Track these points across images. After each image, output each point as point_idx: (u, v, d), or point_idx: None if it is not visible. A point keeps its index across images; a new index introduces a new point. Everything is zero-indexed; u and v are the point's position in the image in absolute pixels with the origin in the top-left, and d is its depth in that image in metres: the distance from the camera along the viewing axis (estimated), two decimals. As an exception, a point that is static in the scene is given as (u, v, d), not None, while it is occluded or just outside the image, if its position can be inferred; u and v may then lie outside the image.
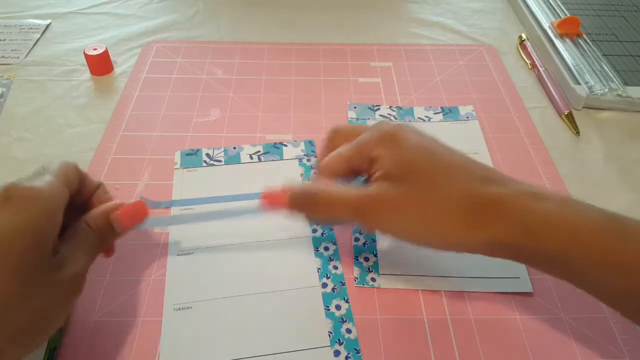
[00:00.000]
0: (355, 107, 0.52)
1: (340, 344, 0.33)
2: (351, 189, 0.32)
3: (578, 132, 0.51)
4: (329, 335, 0.34)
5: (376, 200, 0.30)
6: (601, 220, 0.28)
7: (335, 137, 0.36)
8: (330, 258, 0.38)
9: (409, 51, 0.62)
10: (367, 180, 0.33)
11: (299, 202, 0.33)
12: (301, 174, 0.45)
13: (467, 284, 0.37)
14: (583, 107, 0.54)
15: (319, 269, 0.38)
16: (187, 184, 0.44)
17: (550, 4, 0.68)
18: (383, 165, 0.31)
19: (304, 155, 0.47)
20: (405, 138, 0.31)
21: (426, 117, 0.52)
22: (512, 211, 0.29)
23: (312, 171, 0.44)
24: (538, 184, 0.45)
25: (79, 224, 0.28)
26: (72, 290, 0.26)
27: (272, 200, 0.34)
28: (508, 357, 0.33)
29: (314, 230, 0.40)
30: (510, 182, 0.30)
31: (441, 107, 0.53)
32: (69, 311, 0.27)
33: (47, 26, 0.64)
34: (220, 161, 0.46)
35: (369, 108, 0.52)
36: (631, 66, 0.58)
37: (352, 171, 0.34)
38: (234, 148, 0.47)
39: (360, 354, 0.33)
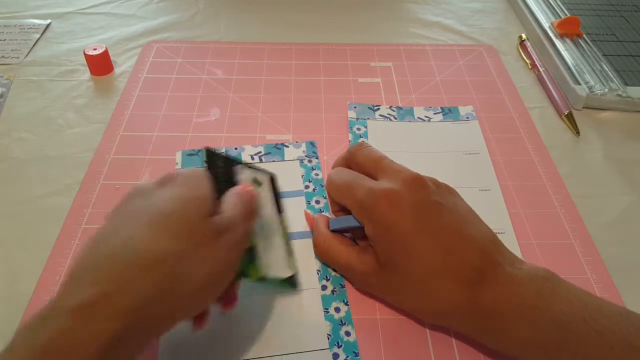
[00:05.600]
0: (355, 107, 0.52)
1: (339, 346, 0.33)
2: (349, 253, 0.35)
3: (578, 132, 0.51)
4: (328, 338, 0.34)
5: (361, 273, 0.35)
6: (548, 336, 0.29)
7: (352, 160, 0.39)
8: (330, 258, 0.38)
9: (409, 51, 0.62)
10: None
11: (320, 249, 0.38)
12: (302, 175, 0.45)
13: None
14: (583, 107, 0.54)
15: (319, 270, 0.38)
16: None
17: (550, 4, 0.68)
18: (372, 243, 0.34)
19: (306, 156, 0.47)
20: (395, 228, 0.32)
21: (426, 117, 0.52)
22: (474, 315, 0.31)
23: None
24: (537, 184, 0.45)
25: (227, 194, 0.32)
26: (232, 243, 0.29)
27: (308, 219, 0.40)
28: (508, 356, 0.33)
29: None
30: (485, 278, 0.31)
31: (441, 107, 0.53)
32: (233, 259, 0.30)
33: (47, 26, 0.64)
34: (220, 161, 0.46)
35: (369, 108, 0.52)
36: (631, 66, 0.58)
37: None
38: (235, 149, 0.47)
39: (359, 356, 0.33)
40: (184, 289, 0.26)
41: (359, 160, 0.38)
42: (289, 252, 0.36)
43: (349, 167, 0.39)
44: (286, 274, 0.35)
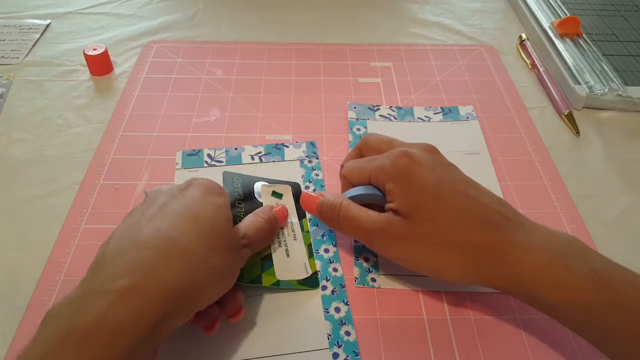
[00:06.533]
0: (355, 107, 0.52)
1: (339, 346, 0.33)
2: (369, 213, 0.34)
3: (578, 132, 0.51)
4: (328, 338, 0.34)
5: (383, 230, 0.33)
6: (584, 279, 0.29)
7: (364, 147, 0.39)
8: (330, 260, 0.38)
9: (409, 51, 0.62)
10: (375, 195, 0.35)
11: (325, 212, 0.36)
12: (302, 175, 0.45)
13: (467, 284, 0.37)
14: (583, 107, 0.54)
15: (319, 271, 0.38)
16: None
17: (550, 4, 0.68)
18: (394, 199, 0.33)
19: (306, 156, 0.47)
20: (418, 176, 0.33)
21: (426, 117, 0.52)
22: (504, 261, 0.30)
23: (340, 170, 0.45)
24: (537, 184, 0.45)
25: (252, 214, 0.36)
26: (238, 253, 0.32)
27: (306, 203, 0.37)
28: (508, 357, 0.33)
29: (314, 232, 0.40)
30: (509, 224, 0.32)
31: (441, 107, 0.53)
32: (239, 267, 0.32)
33: (47, 26, 0.64)
34: (222, 162, 0.46)
35: (369, 108, 0.52)
36: (631, 66, 0.58)
37: (368, 183, 0.36)
38: (236, 149, 0.47)
39: (359, 356, 0.33)
40: (205, 283, 0.28)
41: (372, 144, 0.38)
42: (310, 254, 0.38)
43: (362, 156, 0.39)
44: (304, 275, 0.37)
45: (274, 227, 0.37)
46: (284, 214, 0.38)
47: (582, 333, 0.30)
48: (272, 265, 0.36)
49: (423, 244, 0.32)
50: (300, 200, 0.38)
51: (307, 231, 0.40)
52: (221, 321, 0.32)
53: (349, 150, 0.40)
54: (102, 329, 0.23)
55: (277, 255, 0.37)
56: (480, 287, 0.34)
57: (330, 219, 0.35)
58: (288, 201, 0.41)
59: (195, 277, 0.27)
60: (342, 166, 0.39)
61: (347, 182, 0.38)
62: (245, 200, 0.39)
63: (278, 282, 0.36)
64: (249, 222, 0.35)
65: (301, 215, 0.41)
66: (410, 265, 0.34)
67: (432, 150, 0.35)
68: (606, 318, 0.28)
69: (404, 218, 0.32)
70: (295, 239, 0.39)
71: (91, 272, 0.27)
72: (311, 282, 0.37)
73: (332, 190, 0.43)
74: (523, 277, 0.30)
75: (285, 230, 0.39)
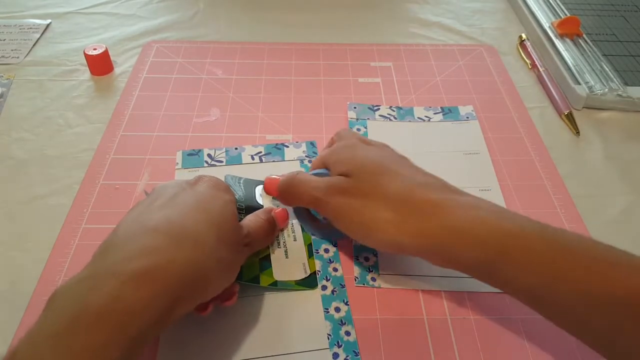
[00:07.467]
0: (355, 107, 0.52)
1: (339, 346, 0.33)
2: (319, 179, 0.36)
3: (578, 132, 0.51)
4: (328, 338, 0.34)
5: (329, 186, 0.35)
6: (530, 230, 0.30)
7: (333, 140, 0.41)
8: (330, 260, 0.38)
9: (409, 51, 0.62)
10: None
11: (282, 185, 0.37)
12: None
13: (467, 284, 0.37)
14: (583, 107, 0.54)
15: (319, 271, 0.38)
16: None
17: (550, 4, 0.68)
18: (343, 165, 0.36)
19: (306, 156, 0.47)
20: (364, 148, 0.37)
21: (426, 117, 0.52)
22: (442, 213, 0.31)
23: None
24: (537, 184, 0.45)
25: (253, 214, 0.37)
26: (241, 249, 0.33)
27: (269, 185, 0.39)
28: (508, 357, 0.33)
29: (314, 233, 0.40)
30: (449, 192, 0.33)
31: (441, 107, 0.53)
32: (240, 264, 0.33)
33: (47, 26, 0.64)
34: (222, 162, 0.46)
35: (369, 108, 0.52)
36: (631, 66, 0.58)
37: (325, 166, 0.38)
38: (236, 149, 0.47)
39: (359, 356, 0.33)
40: (213, 273, 0.29)
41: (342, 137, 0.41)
42: (310, 254, 0.38)
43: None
44: (303, 275, 0.37)
45: (274, 228, 0.37)
46: (284, 216, 0.39)
47: (517, 291, 0.30)
48: (271, 266, 0.37)
49: (359, 198, 0.34)
50: (264, 185, 0.39)
51: (307, 233, 0.40)
52: (220, 321, 0.32)
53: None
54: (114, 311, 0.23)
55: (276, 256, 0.37)
56: (478, 287, 0.34)
57: (286, 190, 0.37)
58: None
59: (205, 266, 0.28)
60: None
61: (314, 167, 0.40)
62: (247, 203, 0.39)
63: (275, 283, 0.36)
64: (250, 221, 0.35)
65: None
66: (344, 221, 0.35)
67: (384, 144, 0.39)
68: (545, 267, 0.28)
69: (348, 177, 0.35)
70: (295, 240, 0.39)
71: (99, 256, 0.27)
72: (309, 282, 0.37)
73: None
74: (463, 225, 0.30)
75: (285, 232, 0.39)
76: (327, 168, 0.38)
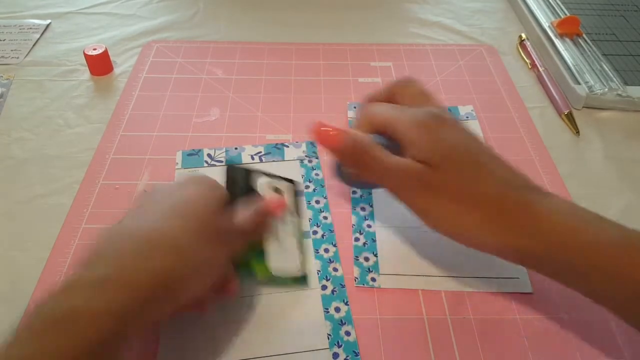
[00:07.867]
0: (355, 107, 0.52)
1: (339, 346, 0.33)
2: (395, 158, 0.32)
3: (578, 132, 0.51)
4: (328, 338, 0.34)
5: (408, 174, 0.31)
6: (628, 241, 0.29)
7: (401, 93, 0.36)
8: (330, 260, 0.38)
9: (409, 51, 0.62)
10: (387, 146, 0.33)
11: (350, 151, 0.33)
12: (302, 175, 0.45)
13: (467, 284, 0.37)
14: (583, 107, 0.54)
15: (319, 271, 0.38)
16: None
17: (550, 4, 0.68)
18: (421, 150, 0.31)
19: (306, 156, 0.47)
20: (448, 132, 0.32)
21: (426, 117, 0.52)
22: (535, 219, 0.30)
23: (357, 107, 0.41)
24: (538, 183, 0.45)
25: (246, 206, 0.35)
26: (229, 244, 0.32)
27: (325, 138, 0.34)
28: (508, 357, 0.33)
29: (314, 232, 0.40)
30: (540, 193, 0.31)
31: (441, 107, 0.53)
32: (229, 257, 0.32)
33: (47, 26, 0.64)
34: (222, 162, 0.46)
35: (369, 108, 0.52)
36: (631, 66, 0.58)
37: (383, 131, 0.34)
38: (236, 149, 0.47)
39: (359, 356, 0.33)
40: (188, 276, 0.28)
41: (411, 95, 0.35)
42: (303, 252, 0.38)
43: (390, 101, 0.36)
44: (298, 272, 0.37)
45: (265, 217, 0.36)
46: (278, 204, 0.37)
47: (608, 300, 0.29)
48: (265, 260, 0.36)
49: (447, 195, 0.31)
50: (317, 136, 0.34)
51: (301, 229, 0.40)
52: (220, 321, 0.32)
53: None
54: (69, 319, 0.24)
55: (272, 251, 0.37)
56: (479, 288, 0.34)
57: (355, 159, 0.33)
58: (288, 199, 0.41)
59: (181, 272, 0.28)
60: (364, 103, 0.37)
61: (367, 123, 0.35)
62: (248, 194, 0.38)
63: (271, 276, 0.35)
64: (241, 213, 0.34)
65: (299, 213, 0.40)
66: (432, 219, 0.32)
67: (462, 126, 0.34)
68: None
69: (428, 166, 0.31)
70: (293, 237, 0.38)
71: (80, 267, 0.28)
72: (303, 280, 0.37)
73: (334, 191, 0.44)
74: (550, 235, 0.29)
75: (283, 227, 0.38)
76: (389, 137, 0.33)
